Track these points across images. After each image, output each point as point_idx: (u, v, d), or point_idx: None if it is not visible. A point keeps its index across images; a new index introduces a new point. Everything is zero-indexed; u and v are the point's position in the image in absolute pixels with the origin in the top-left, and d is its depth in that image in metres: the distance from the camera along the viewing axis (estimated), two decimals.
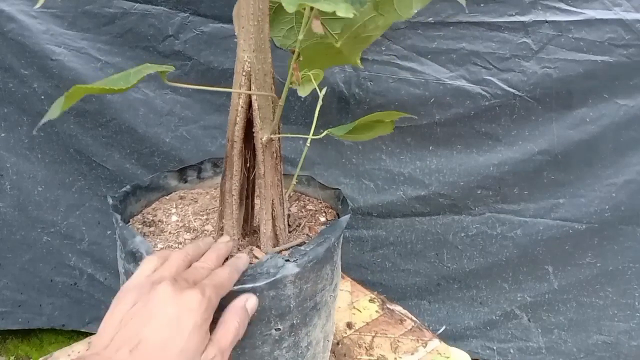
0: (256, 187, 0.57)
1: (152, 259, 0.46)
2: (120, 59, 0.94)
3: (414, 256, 1.08)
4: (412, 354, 0.78)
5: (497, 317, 1.08)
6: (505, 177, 0.99)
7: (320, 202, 0.71)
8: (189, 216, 0.62)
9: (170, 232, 0.59)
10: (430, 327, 0.88)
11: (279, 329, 0.53)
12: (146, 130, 0.98)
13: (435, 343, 0.81)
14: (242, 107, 0.52)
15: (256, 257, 0.55)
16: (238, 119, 0.52)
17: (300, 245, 0.59)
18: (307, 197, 0.72)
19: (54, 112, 0.36)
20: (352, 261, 1.09)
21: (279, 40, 0.59)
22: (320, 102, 0.53)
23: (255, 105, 0.52)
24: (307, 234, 0.63)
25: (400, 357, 0.77)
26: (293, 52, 0.49)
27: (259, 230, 0.57)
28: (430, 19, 0.89)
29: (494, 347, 1.09)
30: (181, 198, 0.66)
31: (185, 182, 0.68)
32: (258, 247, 0.58)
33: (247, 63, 0.50)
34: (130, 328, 0.39)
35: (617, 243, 1.00)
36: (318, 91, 0.53)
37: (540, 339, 1.07)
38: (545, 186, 0.99)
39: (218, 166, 0.71)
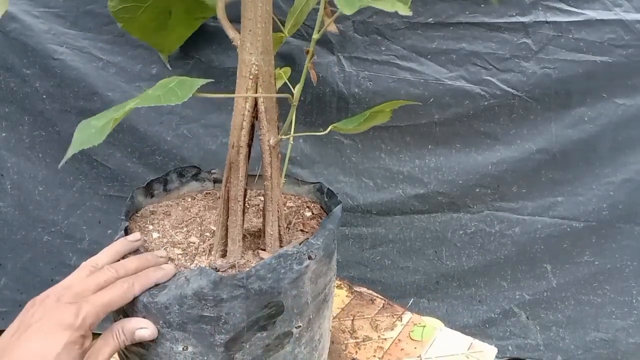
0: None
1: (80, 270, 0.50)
2: (122, 58, 0.94)
3: (413, 254, 1.08)
4: (392, 329, 0.82)
5: (496, 315, 1.08)
6: (503, 175, 1.00)
7: (299, 198, 0.70)
8: (168, 230, 0.60)
9: (157, 250, 0.57)
10: (397, 302, 0.90)
11: (300, 326, 0.53)
12: (147, 129, 0.99)
13: (409, 315, 0.86)
14: (248, 110, 0.51)
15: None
16: (244, 123, 0.52)
17: (304, 241, 0.59)
18: (284, 195, 0.70)
19: (94, 138, 0.37)
20: (351, 259, 1.09)
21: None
22: (295, 103, 0.54)
23: (261, 107, 0.52)
24: (301, 230, 0.63)
25: (383, 334, 0.81)
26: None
27: (264, 231, 0.57)
28: (430, 19, 0.89)
29: (493, 345, 1.10)
30: (152, 213, 0.63)
31: (152, 196, 0.64)
32: (261, 249, 0.58)
33: (254, 66, 0.50)
34: (17, 335, 0.44)
35: (615, 241, 1.01)
36: (291, 88, 0.54)
37: (539, 337, 1.08)
38: (543, 185, 1.00)
39: (183, 175, 0.68)
